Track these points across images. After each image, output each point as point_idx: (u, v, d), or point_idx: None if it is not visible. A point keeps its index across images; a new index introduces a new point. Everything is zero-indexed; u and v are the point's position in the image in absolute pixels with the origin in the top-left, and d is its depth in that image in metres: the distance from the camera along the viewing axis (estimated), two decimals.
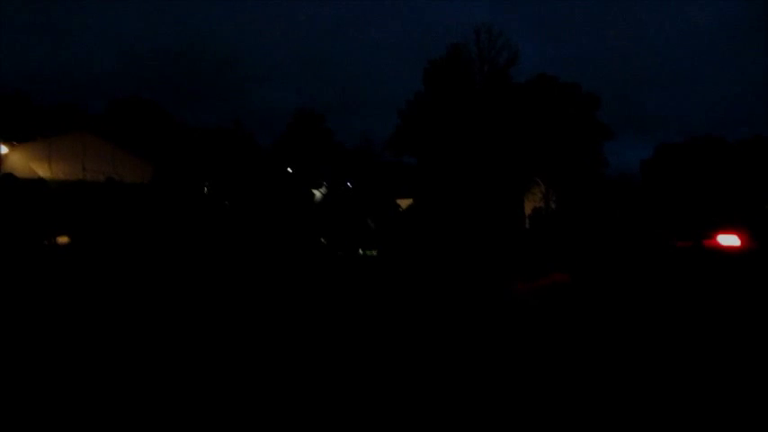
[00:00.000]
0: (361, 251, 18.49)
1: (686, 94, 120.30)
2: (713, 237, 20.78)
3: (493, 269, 14.28)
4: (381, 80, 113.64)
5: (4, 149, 23.68)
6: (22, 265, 13.54)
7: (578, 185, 42.56)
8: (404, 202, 36.75)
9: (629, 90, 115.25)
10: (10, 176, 21.29)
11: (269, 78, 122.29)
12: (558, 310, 8.02)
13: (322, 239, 22.08)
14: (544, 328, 6.65)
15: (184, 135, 49.66)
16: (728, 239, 20.94)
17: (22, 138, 26.79)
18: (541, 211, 33.35)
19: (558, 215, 34.19)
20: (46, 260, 15.73)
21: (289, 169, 45.61)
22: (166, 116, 53.95)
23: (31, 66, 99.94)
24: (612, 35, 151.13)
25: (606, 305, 8.56)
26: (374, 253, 18.74)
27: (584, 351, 5.67)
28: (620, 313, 7.86)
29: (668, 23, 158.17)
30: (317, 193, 37.42)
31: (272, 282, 11.52)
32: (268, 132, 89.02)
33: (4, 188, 19.14)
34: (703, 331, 6.81)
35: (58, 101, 53.05)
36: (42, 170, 24.14)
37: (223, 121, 56.84)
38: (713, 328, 7.09)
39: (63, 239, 19.94)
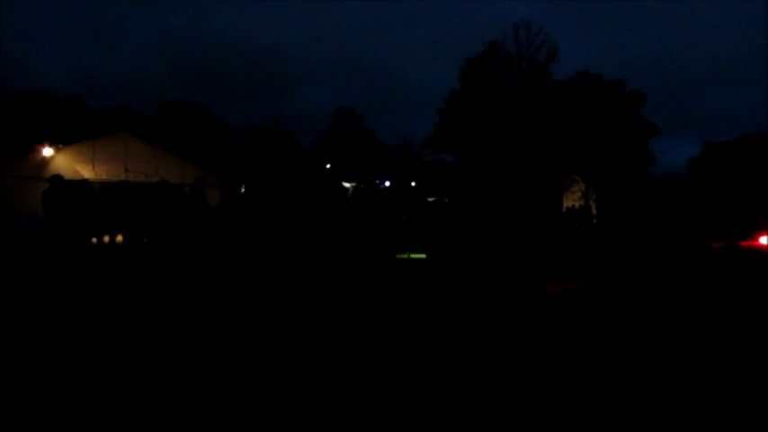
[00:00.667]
0: (407, 255, 18.15)
1: (740, 91, 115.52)
2: (754, 237, 20.09)
3: (528, 269, 14.17)
4: (424, 79, 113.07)
5: (50, 151, 24.70)
6: (70, 264, 14.09)
7: (621, 183, 41.52)
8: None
9: (681, 87, 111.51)
10: (57, 177, 22.08)
11: (313, 78, 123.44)
12: (579, 314, 7.91)
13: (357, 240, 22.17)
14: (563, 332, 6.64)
15: (227, 136, 50.94)
16: None
17: (70, 140, 27.89)
18: (574, 210, 32.69)
19: (591, 214, 33.48)
20: (94, 259, 16.32)
21: (327, 166, 46.11)
22: (210, 117, 55.33)
23: (85, 71, 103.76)
24: (663, 31, 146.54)
25: (625, 309, 8.38)
26: (422, 256, 18.43)
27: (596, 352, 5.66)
28: (636, 317, 7.70)
29: (720, 18, 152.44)
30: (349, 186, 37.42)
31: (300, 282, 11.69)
32: (311, 131, 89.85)
33: (54, 188, 19.86)
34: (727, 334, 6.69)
35: (110, 104, 55.13)
36: (86, 171, 25.07)
37: (267, 121, 57.72)
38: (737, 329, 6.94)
39: (108, 238, 20.69)
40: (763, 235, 20.76)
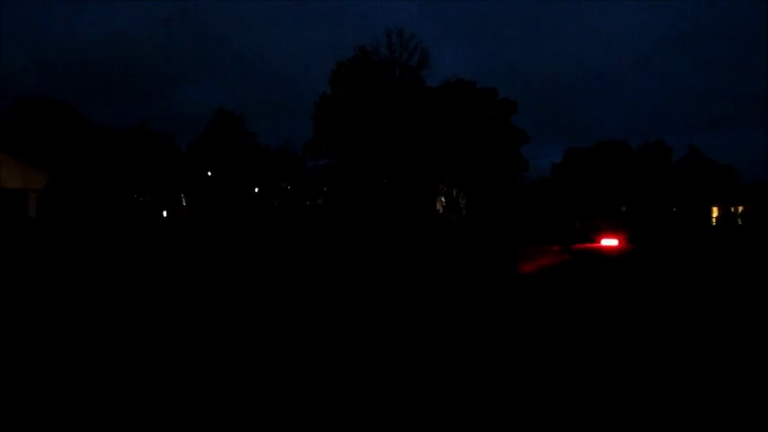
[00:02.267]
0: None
1: (609, 101, 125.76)
2: (596, 239, 21.48)
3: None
4: (308, 81, 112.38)
5: None
6: None
7: (491, 188, 43.23)
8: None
9: (558, 97, 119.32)
10: None
11: (194, 78, 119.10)
12: None
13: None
14: None
15: (93, 138, 47.49)
16: (608, 242, 21.64)
17: None
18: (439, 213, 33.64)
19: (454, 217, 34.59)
20: None
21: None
22: (77, 118, 51.28)
23: None
24: (534, 44, 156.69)
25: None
26: None
27: None
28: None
29: (588, 34, 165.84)
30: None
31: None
32: (191, 133, 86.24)
33: None
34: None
35: None
36: None
37: (143, 123, 54.13)
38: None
39: None
40: (603, 237, 22.15)
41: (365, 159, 39.78)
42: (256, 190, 56.97)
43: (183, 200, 48.20)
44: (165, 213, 45.59)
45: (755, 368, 5.45)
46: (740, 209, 41.68)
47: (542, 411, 4.25)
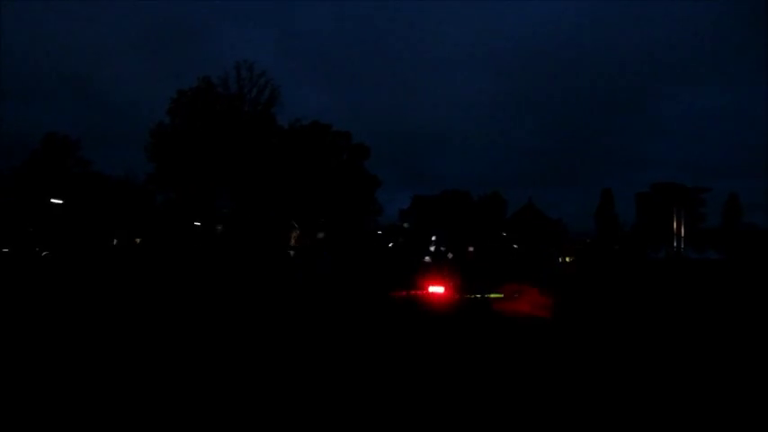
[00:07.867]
0: None
1: (454, 155, 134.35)
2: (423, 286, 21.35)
3: None
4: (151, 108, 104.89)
5: None
6: None
7: (343, 229, 42.97)
8: None
9: (400, 145, 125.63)
10: None
11: (27, 98, 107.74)
12: None
13: None
14: None
15: None
16: (434, 289, 21.54)
17: None
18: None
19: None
20: None
21: None
22: None
23: None
24: (388, 95, 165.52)
25: None
26: None
27: None
28: None
29: (438, 92, 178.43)
30: None
31: None
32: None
33: None
34: None
35: None
36: None
37: None
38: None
39: None
40: (431, 284, 22.04)
41: (210, 195, 37.81)
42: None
43: None
44: None
45: None
46: (567, 259, 44.96)
47: None
